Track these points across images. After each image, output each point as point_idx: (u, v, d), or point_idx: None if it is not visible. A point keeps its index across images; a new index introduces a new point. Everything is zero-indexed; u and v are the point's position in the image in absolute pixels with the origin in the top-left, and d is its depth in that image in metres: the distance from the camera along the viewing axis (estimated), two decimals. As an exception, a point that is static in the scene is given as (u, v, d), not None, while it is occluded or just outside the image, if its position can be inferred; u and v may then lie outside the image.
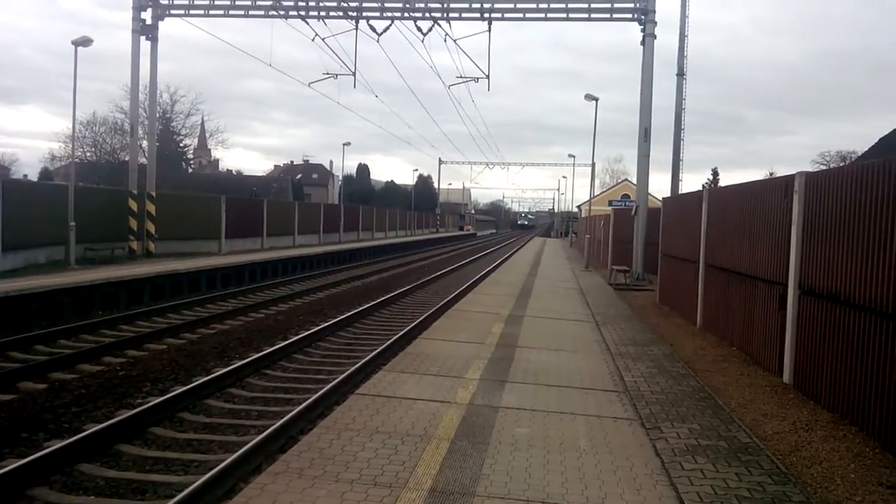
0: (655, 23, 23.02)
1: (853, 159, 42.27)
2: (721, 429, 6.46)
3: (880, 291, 6.26)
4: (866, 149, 30.45)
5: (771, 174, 53.65)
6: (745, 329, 10.24)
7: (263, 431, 6.95)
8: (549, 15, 24.51)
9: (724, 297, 11.38)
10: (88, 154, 52.94)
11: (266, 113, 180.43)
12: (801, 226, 8.25)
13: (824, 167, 44.40)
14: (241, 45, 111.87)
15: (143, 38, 25.57)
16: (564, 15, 24.46)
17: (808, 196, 8.14)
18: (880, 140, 27.02)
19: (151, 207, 25.09)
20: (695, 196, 14.43)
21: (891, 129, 27.62)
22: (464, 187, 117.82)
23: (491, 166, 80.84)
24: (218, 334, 13.11)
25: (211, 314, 15.10)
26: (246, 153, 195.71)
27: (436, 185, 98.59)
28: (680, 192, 24.40)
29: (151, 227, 25.04)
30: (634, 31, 23.54)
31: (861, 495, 5.10)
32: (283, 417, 7.44)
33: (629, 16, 23.52)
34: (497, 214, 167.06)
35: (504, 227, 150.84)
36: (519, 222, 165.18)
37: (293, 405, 8.22)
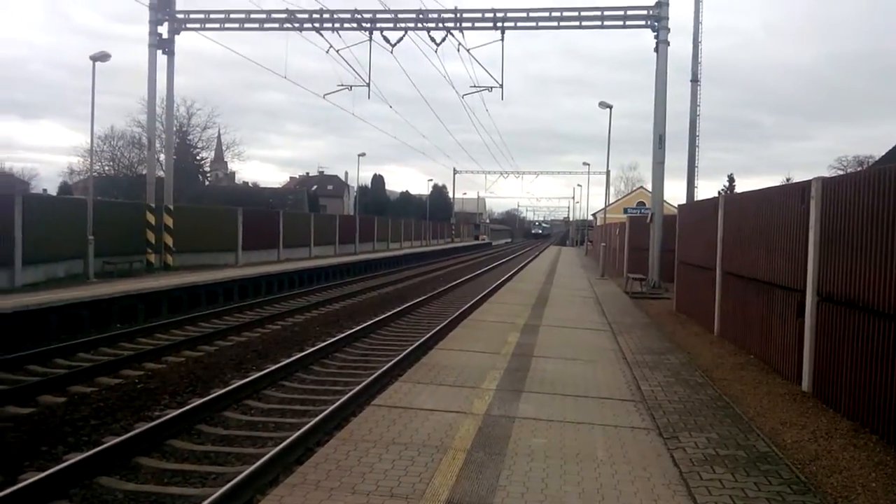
0: (668, 29, 23.00)
1: (870, 164, 41.93)
2: (740, 438, 6.41)
3: (899, 298, 6.19)
4: (883, 153, 30.19)
5: (787, 180, 53.28)
6: (763, 337, 10.15)
7: (280, 443, 6.98)
8: (562, 23, 24.53)
9: (742, 305, 11.30)
10: (107, 168, 53.49)
11: (281, 125, 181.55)
12: (819, 232, 8.18)
13: (841, 172, 43.99)
14: (256, 57, 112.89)
15: (159, 52, 25.85)
16: (577, 23, 24.48)
17: (825, 201, 8.08)
18: (897, 144, 26.79)
19: (169, 220, 25.28)
20: (711, 203, 14.35)
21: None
22: (478, 196, 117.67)
23: (505, 175, 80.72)
24: (235, 346, 13.18)
25: (228, 326, 15.19)
26: (262, 165, 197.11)
27: (450, 194, 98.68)
28: (695, 198, 24.25)
29: (169, 240, 25.22)
30: (647, 37, 23.54)
31: (883, 505, 5.04)
32: (300, 429, 7.46)
33: (642, 23, 23.50)
34: (512, 223, 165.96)
35: (519, 237, 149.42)
36: (533, 231, 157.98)
37: (310, 417, 8.24)
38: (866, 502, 5.10)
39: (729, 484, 5.22)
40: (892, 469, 5.71)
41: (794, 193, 9.16)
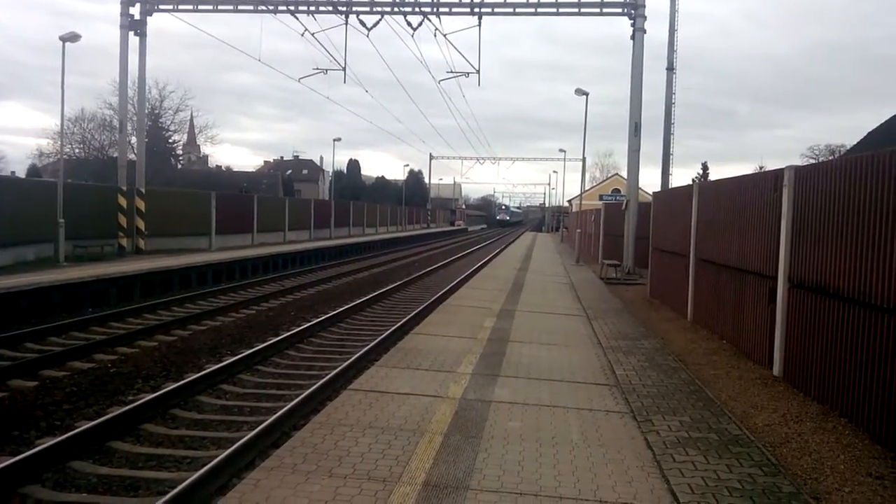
0: (645, 17, 23.07)
1: (842, 153, 42.51)
2: (712, 421, 6.51)
3: (869, 284, 6.31)
4: (855, 142, 30.61)
5: (761, 168, 53.88)
6: (735, 322, 10.30)
7: (256, 427, 6.96)
8: (540, 10, 24.50)
9: (715, 291, 11.44)
10: (77, 150, 52.70)
11: (252, 107, 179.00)
12: (791, 219, 8.29)
13: (813, 161, 44.53)
14: (227, 38, 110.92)
15: (131, 33, 25.41)
16: (555, 10, 24.48)
17: (798, 190, 8.19)
18: (869, 133, 27.15)
19: (141, 204, 24.98)
20: (685, 190, 14.48)
21: (880, 123, 27.77)
22: (454, 182, 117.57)
23: (482, 161, 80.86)
24: (209, 331, 13.08)
25: (202, 311, 15.07)
26: (233, 149, 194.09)
27: (426, 180, 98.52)
28: (670, 186, 24.46)
29: (141, 224, 24.93)
30: (625, 23, 23.60)
31: (850, 486, 5.15)
32: (275, 413, 7.44)
33: (619, 10, 23.55)
34: (488, 209, 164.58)
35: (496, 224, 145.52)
36: (498, 217, 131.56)
37: (286, 401, 8.22)
38: (835, 483, 5.20)
39: (701, 466, 5.31)
40: (860, 451, 5.83)
41: (767, 181, 9.27)
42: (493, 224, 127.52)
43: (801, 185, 8.10)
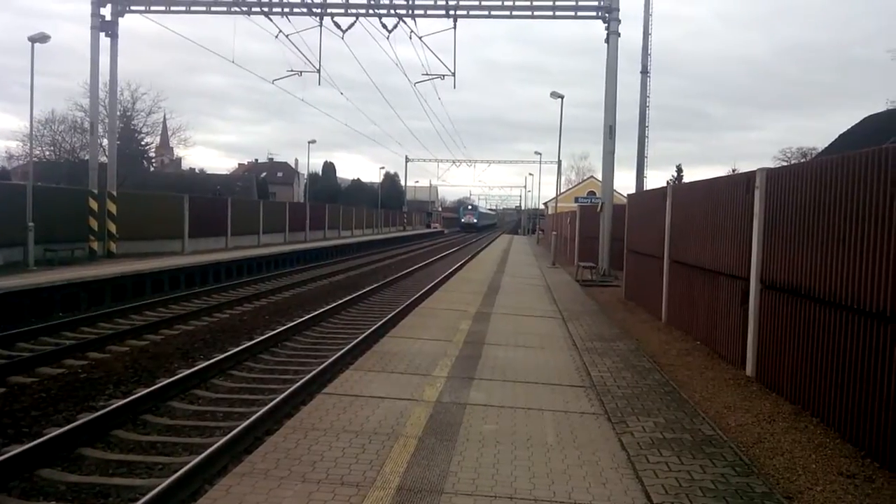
0: (619, 21, 23.23)
1: (813, 155, 43.06)
2: (686, 422, 6.54)
3: (839, 285, 6.38)
4: (827, 144, 31.01)
5: (734, 170, 54.49)
6: (708, 323, 10.38)
7: (229, 433, 6.88)
8: (515, 13, 24.60)
9: (689, 293, 11.52)
10: (47, 153, 51.80)
11: (225, 109, 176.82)
12: (763, 221, 8.38)
13: (785, 163, 45.09)
14: (200, 39, 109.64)
15: (102, 34, 25.07)
16: (530, 13, 24.58)
17: (769, 192, 8.27)
18: (840, 136, 27.54)
19: (112, 207, 24.64)
20: (659, 192, 14.59)
21: (851, 125, 28.17)
22: (431, 185, 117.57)
23: (458, 164, 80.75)
24: (182, 335, 12.93)
25: (174, 315, 14.89)
26: (206, 151, 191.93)
27: (403, 182, 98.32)
28: (645, 188, 24.64)
29: (113, 227, 24.58)
30: (600, 26, 23.76)
31: (822, 485, 5.20)
32: (248, 418, 7.37)
33: (593, 14, 23.69)
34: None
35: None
36: (463, 220, 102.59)
37: (259, 406, 8.14)
38: (807, 483, 5.25)
39: (675, 466, 5.33)
40: (831, 450, 5.89)
41: (739, 184, 9.36)
42: (461, 228, 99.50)
43: (773, 187, 8.18)
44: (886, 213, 5.64)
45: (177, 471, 5.83)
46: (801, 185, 7.41)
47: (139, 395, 8.26)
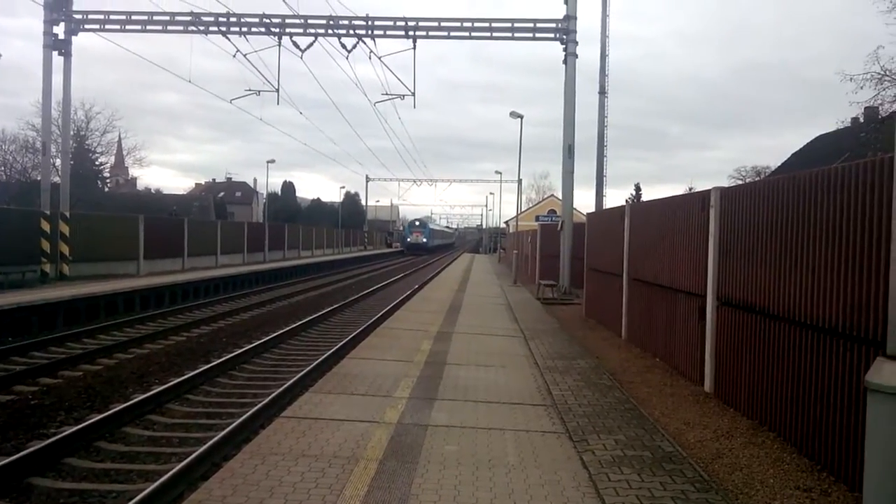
0: (577, 42, 23.58)
1: (767, 174, 44.11)
2: (646, 439, 6.57)
3: (791, 301, 6.50)
4: (780, 163, 31.82)
5: (691, 189, 55.53)
6: (667, 340, 10.49)
7: (185, 459, 6.71)
8: (474, 34, 24.84)
9: (647, 310, 11.64)
10: (-3, 173, 50.66)
11: (181, 128, 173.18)
12: (718, 239, 8.51)
13: (740, 182, 46.14)
14: (154, 57, 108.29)
15: (55, 52, 24.66)
16: (489, 34, 24.84)
17: (724, 210, 8.42)
18: (793, 154, 28.29)
19: (65, 228, 24.08)
20: (617, 211, 14.77)
21: (803, 144, 28.97)
22: (392, 204, 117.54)
23: (419, 183, 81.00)
24: (137, 359, 12.64)
25: (129, 338, 14.55)
26: (162, 171, 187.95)
27: (363, 202, 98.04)
28: (604, 207, 24.94)
29: (65, 249, 24.01)
30: (558, 47, 24.05)
31: (780, 499, 5.25)
32: (205, 444, 7.20)
33: (551, 35, 24.01)
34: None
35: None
36: (409, 239, 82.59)
37: (216, 430, 7.97)
38: (765, 497, 5.30)
39: (636, 484, 5.34)
40: (789, 465, 5.97)
41: (695, 202, 9.51)
42: (407, 249, 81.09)
43: (727, 205, 8.33)
44: (836, 232, 5.77)
45: (131, 499, 5.66)
46: (753, 204, 7.56)
47: (92, 421, 8.03)
